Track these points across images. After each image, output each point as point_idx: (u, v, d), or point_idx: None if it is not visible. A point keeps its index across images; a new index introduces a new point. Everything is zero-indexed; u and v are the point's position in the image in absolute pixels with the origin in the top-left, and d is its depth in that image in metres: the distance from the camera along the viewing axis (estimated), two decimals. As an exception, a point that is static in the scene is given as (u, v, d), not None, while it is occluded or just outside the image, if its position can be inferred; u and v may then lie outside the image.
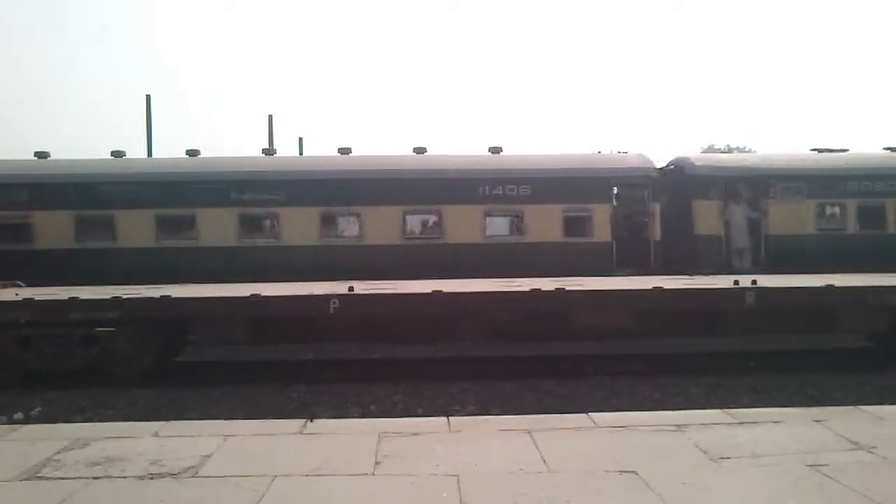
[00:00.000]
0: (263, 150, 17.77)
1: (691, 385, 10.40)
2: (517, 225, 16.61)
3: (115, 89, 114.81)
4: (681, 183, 17.58)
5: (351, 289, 11.16)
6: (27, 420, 8.78)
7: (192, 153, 17.46)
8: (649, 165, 17.60)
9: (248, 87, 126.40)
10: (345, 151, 17.48)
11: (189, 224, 16.36)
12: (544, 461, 5.63)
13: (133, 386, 10.59)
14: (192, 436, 6.53)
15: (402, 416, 8.38)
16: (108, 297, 10.98)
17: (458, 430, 6.60)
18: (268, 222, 16.67)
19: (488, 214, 16.55)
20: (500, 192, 16.52)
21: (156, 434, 6.59)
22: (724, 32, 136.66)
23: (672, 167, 18.16)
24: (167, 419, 8.01)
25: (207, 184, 16.35)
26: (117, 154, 17.61)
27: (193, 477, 5.39)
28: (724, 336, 12.14)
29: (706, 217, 17.12)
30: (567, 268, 14.49)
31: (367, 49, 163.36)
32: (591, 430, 6.58)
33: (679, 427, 6.57)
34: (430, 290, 11.05)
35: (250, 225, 16.63)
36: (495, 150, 17.72)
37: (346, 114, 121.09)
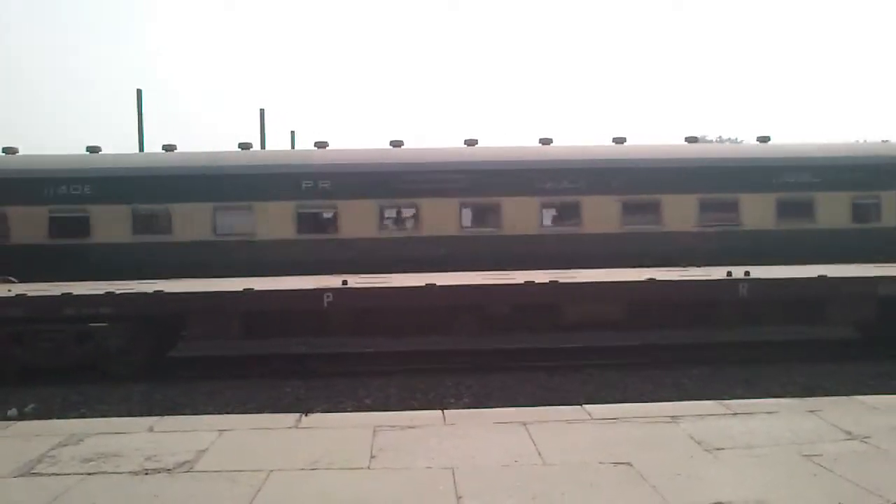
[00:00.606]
0: (541, 140, 17.66)
1: (684, 377, 10.44)
2: (807, 212, 16.77)
3: (108, 85, 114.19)
4: None
5: (345, 283, 11.13)
6: (21, 416, 8.76)
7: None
8: None
9: (238, 82, 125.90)
10: (619, 141, 17.62)
11: (495, 212, 16.37)
12: (539, 454, 5.63)
13: (127, 381, 10.56)
14: (186, 431, 6.51)
15: (396, 410, 8.38)
16: (101, 292, 10.93)
17: (453, 423, 6.60)
18: (570, 210, 16.62)
19: (780, 202, 16.71)
20: (792, 180, 16.78)
21: (150, 429, 6.57)
22: (719, 30, 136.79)
23: None
24: (162, 414, 8.02)
25: (513, 174, 16.37)
26: (395, 143, 17.37)
27: (189, 472, 5.38)
28: (718, 327, 12.17)
29: None
30: (856, 253, 14.72)
31: (356, 44, 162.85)
32: (585, 423, 6.59)
33: (673, 418, 6.59)
34: (423, 284, 11.03)
35: (553, 213, 16.67)
36: (763, 140, 17.96)
37: (336, 108, 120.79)
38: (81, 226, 15.91)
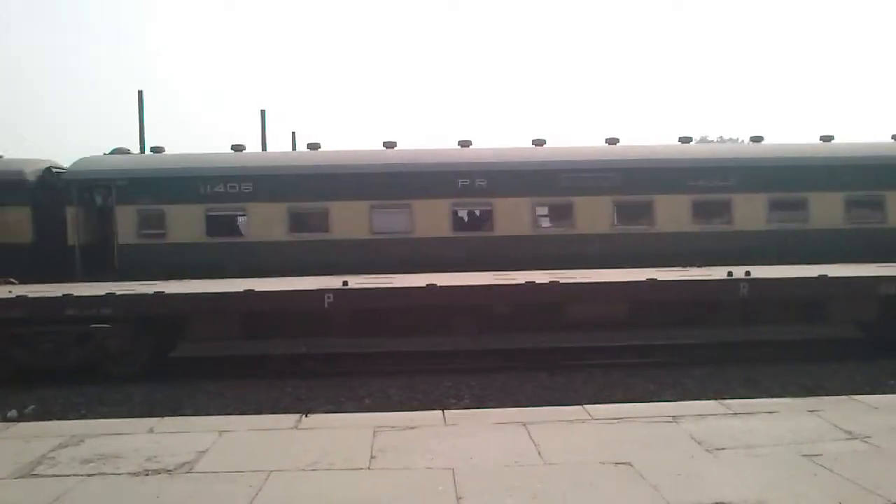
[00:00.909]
0: (680, 139, 17.69)
1: (685, 376, 10.42)
2: None
3: (108, 85, 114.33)
4: None
5: (345, 283, 11.12)
6: (21, 418, 8.75)
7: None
8: None
9: (238, 82, 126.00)
10: (757, 139, 17.61)
11: (647, 210, 16.44)
12: (540, 454, 5.63)
13: (128, 382, 10.55)
14: (187, 432, 6.52)
15: (397, 410, 8.37)
16: (102, 293, 10.92)
17: (454, 424, 6.60)
18: (720, 208, 16.60)
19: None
20: None
21: (151, 430, 6.57)
22: (719, 30, 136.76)
23: None
24: (162, 415, 8.01)
25: (663, 171, 16.42)
26: (538, 142, 17.40)
27: (189, 473, 5.38)
28: (719, 327, 12.16)
29: None
30: None
31: (356, 44, 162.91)
32: (586, 423, 6.58)
33: (674, 418, 6.58)
34: (424, 284, 11.02)
35: (703, 211, 16.60)
36: None
37: (335, 109, 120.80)
38: (238, 224, 16.02)
